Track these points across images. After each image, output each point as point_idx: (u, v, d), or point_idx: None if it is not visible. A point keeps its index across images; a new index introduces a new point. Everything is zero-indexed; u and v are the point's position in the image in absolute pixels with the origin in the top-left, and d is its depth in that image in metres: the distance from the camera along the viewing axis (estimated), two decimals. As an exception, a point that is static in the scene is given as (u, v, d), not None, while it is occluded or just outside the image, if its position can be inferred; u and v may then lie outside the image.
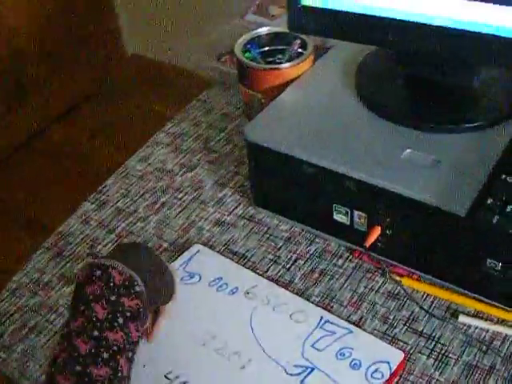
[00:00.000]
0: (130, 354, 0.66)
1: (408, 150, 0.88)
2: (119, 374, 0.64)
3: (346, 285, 0.90)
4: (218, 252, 0.95)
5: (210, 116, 1.19)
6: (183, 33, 2.49)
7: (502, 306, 0.84)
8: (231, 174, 1.08)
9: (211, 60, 1.30)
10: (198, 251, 0.95)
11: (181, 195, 1.05)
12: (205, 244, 0.96)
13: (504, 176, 0.81)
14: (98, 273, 0.69)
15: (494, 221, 0.77)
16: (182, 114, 1.20)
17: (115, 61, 2.82)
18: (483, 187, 0.82)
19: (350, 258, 0.94)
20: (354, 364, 0.80)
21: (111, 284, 0.68)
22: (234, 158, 1.10)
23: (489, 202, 0.78)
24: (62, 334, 0.66)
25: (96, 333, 0.65)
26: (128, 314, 0.67)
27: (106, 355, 0.64)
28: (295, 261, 0.94)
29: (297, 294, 0.89)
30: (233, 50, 1.31)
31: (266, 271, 0.93)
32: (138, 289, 0.70)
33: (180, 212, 1.02)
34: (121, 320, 0.66)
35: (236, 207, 1.02)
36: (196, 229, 1.00)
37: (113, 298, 0.67)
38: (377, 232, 0.88)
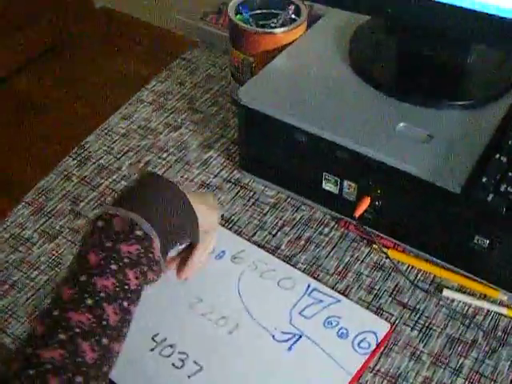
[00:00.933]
0: (126, 304, 0.62)
1: (401, 124, 0.88)
2: (104, 323, 0.59)
3: (331, 253, 0.91)
4: (203, 215, 0.95)
5: (195, 76, 1.17)
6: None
7: (486, 283, 0.86)
8: (217, 136, 1.07)
9: (195, 19, 1.27)
10: (185, 213, 0.94)
11: (165, 155, 1.04)
12: (190, 206, 0.95)
13: (498, 155, 0.82)
14: (100, 223, 0.65)
15: (489, 199, 0.78)
16: (167, 72, 1.18)
17: (81, 14, 2.74)
18: (476, 165, 0.83)
19: (335, 226, 0.94)
20: (342, 333, 0.81)
21: (110, 232, 0.64)
22: (220, 120, 1.09)
23: (484, 180, 0.79)
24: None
25: (83, 278, 0.60)
26: (126, 260, 0.63)
27: (89, 301, 0.59)
28: (281, 227, 0.94)
29: (283, 260, 0.89)
30: (219, 9, 1.29)
31: (252, 236, 0.93)
32: (138, 233, 0.64)
33: (164, 172, 1.01)
34: (114, 266, 0.62)
35: (221, 170, 1.01)
36: (181, 190, 0.99)
37: (108, 244, 0.63)
38: (366, 202, 0.89)
